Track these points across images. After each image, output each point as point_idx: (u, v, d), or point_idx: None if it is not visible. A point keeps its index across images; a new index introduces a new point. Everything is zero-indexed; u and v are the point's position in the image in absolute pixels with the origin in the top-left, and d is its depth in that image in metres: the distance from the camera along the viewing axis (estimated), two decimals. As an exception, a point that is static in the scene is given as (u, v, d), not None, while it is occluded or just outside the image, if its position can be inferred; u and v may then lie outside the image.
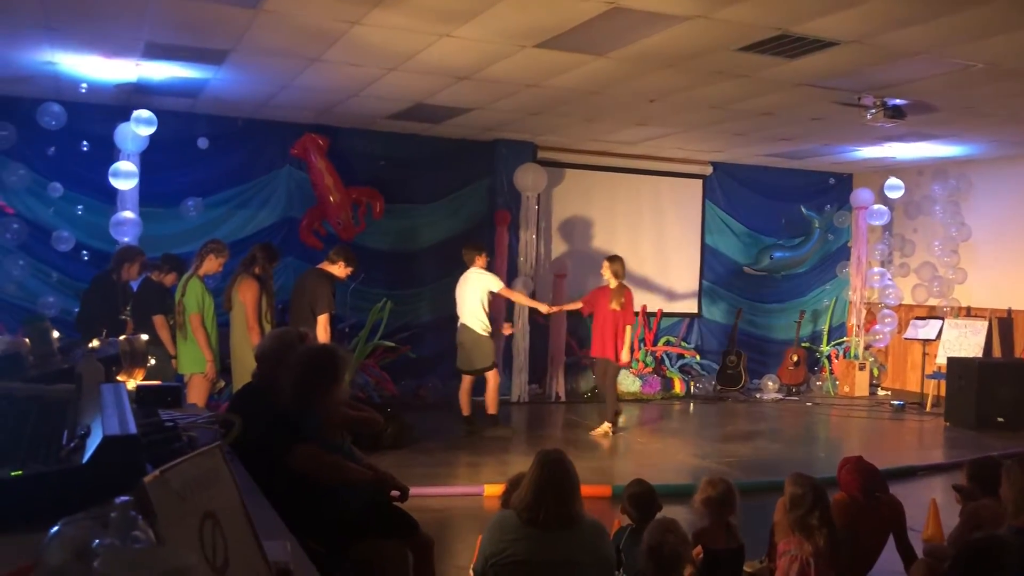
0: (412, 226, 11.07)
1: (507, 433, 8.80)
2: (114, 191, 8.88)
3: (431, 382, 10.91)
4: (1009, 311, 11.45)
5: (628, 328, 8.99)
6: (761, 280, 13.14)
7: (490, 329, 8.78)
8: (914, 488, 7.20)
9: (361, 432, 6.30)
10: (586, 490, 6.16)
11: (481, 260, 8.86)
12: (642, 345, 11.96)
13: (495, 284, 8.75)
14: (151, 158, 9.05)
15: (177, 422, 2.62)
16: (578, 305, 9.60)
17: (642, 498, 4.32)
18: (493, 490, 6.14)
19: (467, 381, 8.74)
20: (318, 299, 7.28)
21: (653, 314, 12.26)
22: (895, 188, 12.23)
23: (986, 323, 11.31)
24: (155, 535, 1.15)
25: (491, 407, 8.71)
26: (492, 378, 8.68)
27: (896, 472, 7.55)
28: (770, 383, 12.35)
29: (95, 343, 4.16)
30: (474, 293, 8.67)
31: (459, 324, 8.81)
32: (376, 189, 10.39)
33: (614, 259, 9.13)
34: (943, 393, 10.71)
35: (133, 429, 1.79)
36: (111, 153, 8.95)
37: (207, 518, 1.27)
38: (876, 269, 12.69)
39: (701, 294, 12.86)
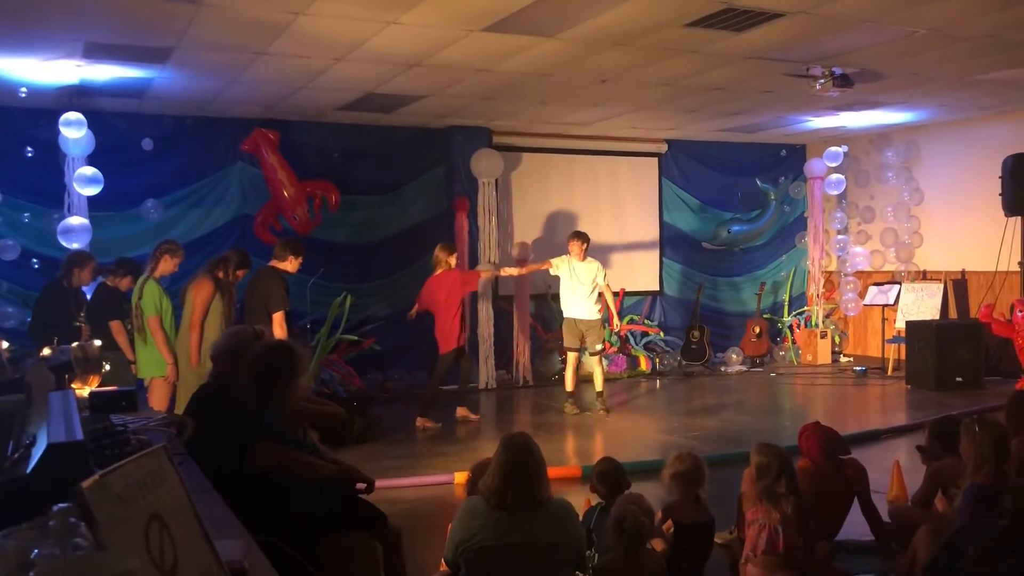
0: (370, 218, 10.98)
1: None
2: (60, 196, 8.70)
3: (397, 374, 10.86)
4: (963, 272, 11.65)
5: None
6: (720, 254, 13.24)
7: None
8: (878, 451, 7.30)
9: (324, 425, 6.26)
10: (555, 472, 6.21)
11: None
12: (606, 325, 11.99)
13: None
14: (99, 161, 8.87)
15: (128, 426, 2.56)
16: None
17: (610, 475, 4.35)
18: (463, 478, 6.12)
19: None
20: (271, 297, 7.20)
21: (616, 293, 12.27)
22: (834, 156, 12.43)
23: (941, 285, 11.51)
24: (97, 541, 1.11)
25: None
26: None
27: (860, 436, 7.68)
28: (734, 356, 12.47)
29: (46, 352, 4.08)
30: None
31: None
32: (331, 182, 10.27)
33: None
34: (903, 356, 10.88)
35: (79, 436, 1.75)
36: (55, 158, 8.76)
37: (153, 520, 1.24)
38: (839, 237, 12.85)
39: (662, 271, 12.93)
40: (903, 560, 4.34)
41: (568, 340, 9.21)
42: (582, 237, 9.12)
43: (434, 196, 11.38)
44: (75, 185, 8.52)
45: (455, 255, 8.93)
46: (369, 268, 10.94)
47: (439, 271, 8.71)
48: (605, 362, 11.69)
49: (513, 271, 9.85)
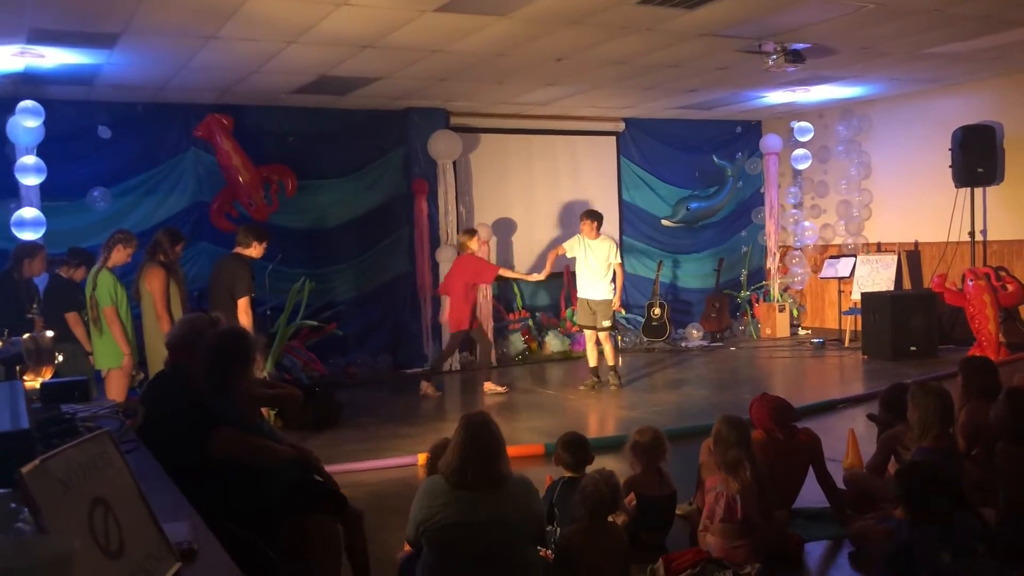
0: (327, 202, 10.89)
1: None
2: (10, 187, 8.52)
3: (360, 358, 10.83)
4: (916, 244, 11.87)
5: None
6: (679, 231, 13.34)
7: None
8: (836, 420, 7.44)
9: (283, 409, 6.25)
10: (518, 449, 6.26)
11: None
12: (568, 304, 12.06)
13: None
14: (49, 150, 8.70)
15: (77, 414, 2.54)
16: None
17: (575, 444, 4.43)
18: (425, 459, 6.14)
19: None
20: (236, 283, 7.16)
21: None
22: (805, 131, 12.54)
23: (895, 257, 11.71)
24: (39, 525, 1.11)
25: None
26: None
27: (818, 407, 7.82)
28: (694, 331, 12.60)
29: (-4, 344, 4.02)
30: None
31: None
32: (287, 166, 10.17)
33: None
34: (860, 328, 11.08)
35: (25, 424, 1.74)
36: (4, 148, 8.58)
37: (97, 504, 1.24)
38: (789, 212, 13.01)
39: (622, 249, 12.96)
40: (858, 526, 4.45)
41: (582, 318, 9.34)
42: (594, 216, 9.19)
43: (392, 179, 11.32)
44: (17, 175, 8.36)
45: (475, 238, 9.24)
46: (329, 253, 10.87)
47: (463, 254, 9.14)
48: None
49: (537, 276, 9.74)
